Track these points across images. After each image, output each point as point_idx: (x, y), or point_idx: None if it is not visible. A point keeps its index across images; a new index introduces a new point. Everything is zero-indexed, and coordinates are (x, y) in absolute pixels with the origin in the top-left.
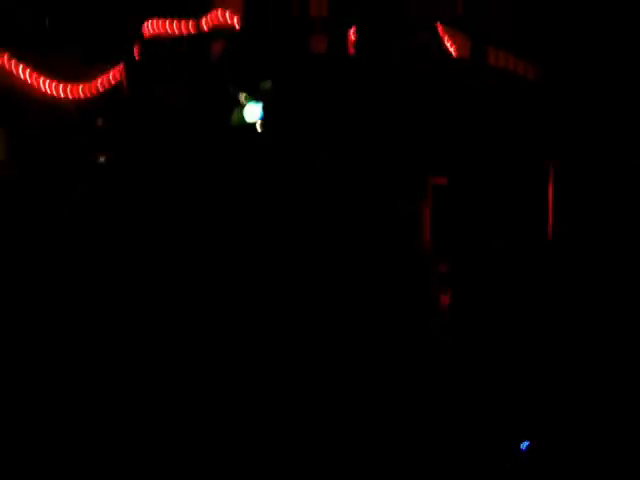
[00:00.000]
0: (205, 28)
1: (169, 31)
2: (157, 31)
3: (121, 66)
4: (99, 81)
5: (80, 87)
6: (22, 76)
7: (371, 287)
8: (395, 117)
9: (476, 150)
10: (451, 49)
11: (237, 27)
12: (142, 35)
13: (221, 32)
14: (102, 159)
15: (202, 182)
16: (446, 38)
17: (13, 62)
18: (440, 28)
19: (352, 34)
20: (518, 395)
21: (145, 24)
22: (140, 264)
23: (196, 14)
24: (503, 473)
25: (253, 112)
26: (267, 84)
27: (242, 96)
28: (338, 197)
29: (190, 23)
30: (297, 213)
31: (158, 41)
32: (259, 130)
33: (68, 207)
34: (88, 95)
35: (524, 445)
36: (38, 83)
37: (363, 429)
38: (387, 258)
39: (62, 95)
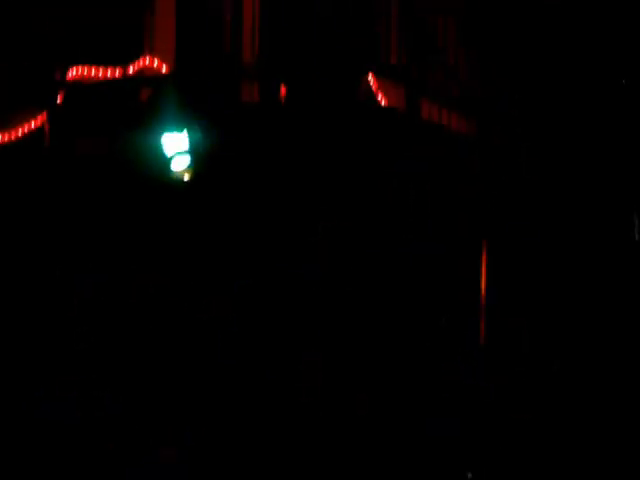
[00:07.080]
0: (132, 74)
1: (94, 77)
2: (82, 77)
3: (44, 113)
4: (19, 128)
5: None
6: None
7: None
8: (324, 169)
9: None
10: (382, 99)
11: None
12: (67, 81)
13: (149, 78)
14: None
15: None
16: (377, 88)
17: None
18: (372, 77)
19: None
20: None
21: (70, 70)
22: None
23: (126, 61)
24: None
25: (180, 161)
26: (195, 134)
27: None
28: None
29: (117, 70)
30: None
31: (83, 87)
32: (186, 179)
33: None
34: (6, 141)
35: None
36: None
37: None
38: None
39: None
